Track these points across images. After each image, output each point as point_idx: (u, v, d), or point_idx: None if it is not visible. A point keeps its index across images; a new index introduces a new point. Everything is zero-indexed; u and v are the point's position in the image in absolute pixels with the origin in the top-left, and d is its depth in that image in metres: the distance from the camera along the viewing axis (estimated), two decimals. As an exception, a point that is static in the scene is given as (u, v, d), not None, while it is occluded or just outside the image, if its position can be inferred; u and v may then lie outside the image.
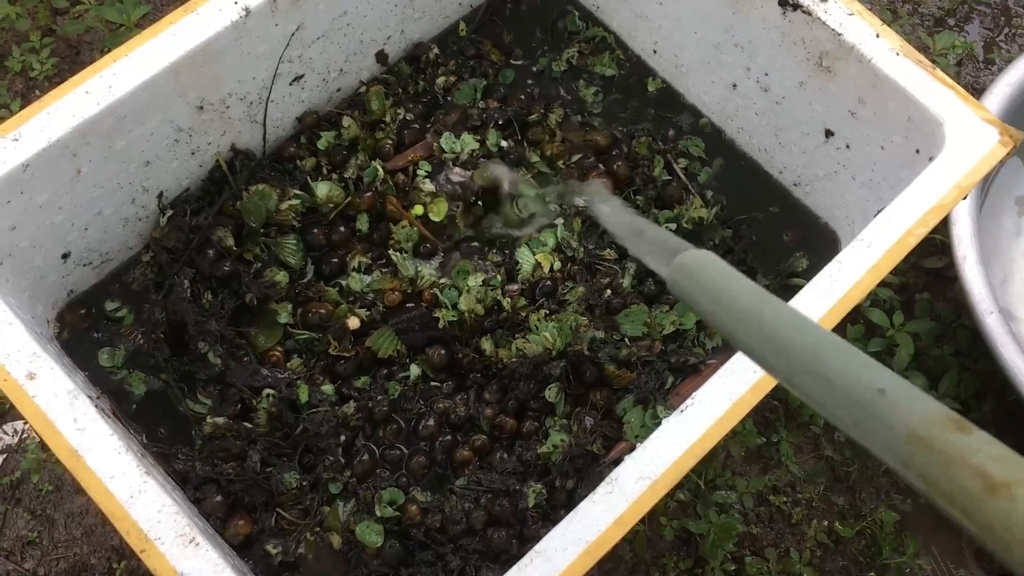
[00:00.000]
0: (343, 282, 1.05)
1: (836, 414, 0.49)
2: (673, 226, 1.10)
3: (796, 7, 0.99)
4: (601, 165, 1.13)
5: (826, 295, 0.86)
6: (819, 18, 0.98)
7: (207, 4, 0.93)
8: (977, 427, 0.46)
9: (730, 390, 0.81)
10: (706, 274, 0.60)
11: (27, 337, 0.79)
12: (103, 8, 1.30)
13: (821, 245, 1.12)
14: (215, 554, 0.74)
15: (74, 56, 1.41)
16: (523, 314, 1.03)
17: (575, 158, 1.13)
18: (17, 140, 0.85)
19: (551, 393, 0.99)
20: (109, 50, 1.34)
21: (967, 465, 0.43)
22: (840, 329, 1.28)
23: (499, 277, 1.04)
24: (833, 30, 0.97)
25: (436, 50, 1.17)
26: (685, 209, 1.11)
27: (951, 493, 0.44)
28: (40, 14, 1.41)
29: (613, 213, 0.89)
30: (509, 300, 1.02)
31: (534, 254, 1.06)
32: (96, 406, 0.78)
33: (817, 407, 0.51)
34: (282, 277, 1.02)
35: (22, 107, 1.33)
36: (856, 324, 1.29)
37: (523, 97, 1.16)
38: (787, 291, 0.96)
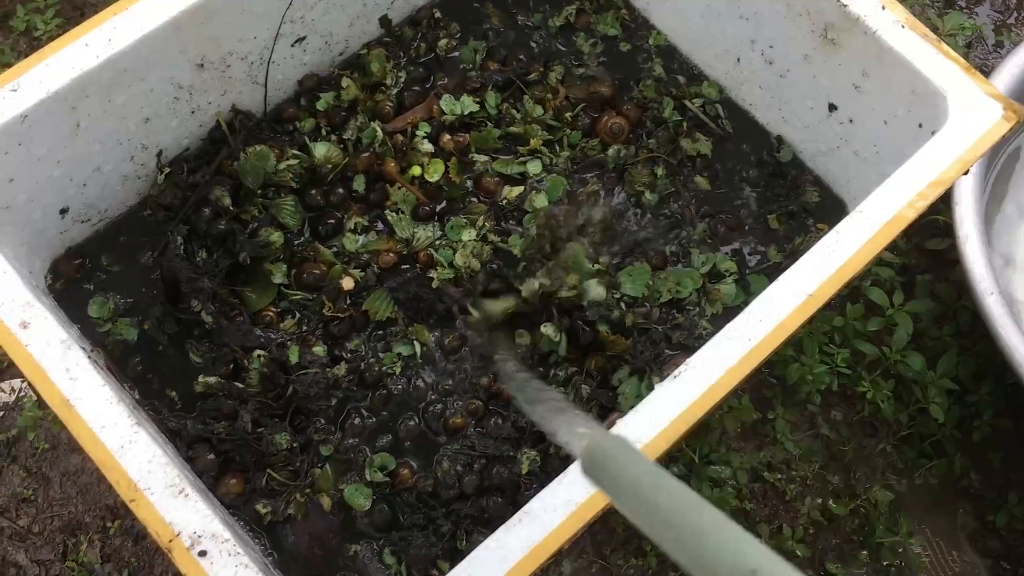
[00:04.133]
0: (339, 243, 1.05)
1: None
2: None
3: (802, -23, 0.98)
4: (612, 111, 1.13)
5: (821, 267, 0.85)
6: (825, -11, 0.97)
7: (209, -40, 0.92)
8: None
9: (724, 357, 0.81)
10: (611, 463, 0.61)
11: (21, 287, 0.79)
12: (108, -31, 1.30)
13: (833, 213, 1.12)
14: (204, 505, 0.74)
15: (79, 17, 1.40)
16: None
17: (579, 108, 1.13)
18: (16, 91, 0.85)
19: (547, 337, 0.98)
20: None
21: None
22: (839, 308, 1.28)
23: (486, 225, 1.05)
24: (839, 1, 0.96)
25: (438, 13, 1.17)
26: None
27: None
28: (45, -25, 1.41)
29: (521, 383, 0.86)
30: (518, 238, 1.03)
31: (550, 201, 1.06)
32: (89, 357, 0.78)
33: None
34: (277, 237, 1.01)
35: (25, 66, 1.33)
36: (856, 304, 1.28)
37: (523, 57, 1.15)
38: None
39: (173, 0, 0.90)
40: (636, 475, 0.59)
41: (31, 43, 1.37)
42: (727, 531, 0.52)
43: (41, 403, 1.19)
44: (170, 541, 0.72)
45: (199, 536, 0.72)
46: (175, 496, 0.74)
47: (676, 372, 0.81)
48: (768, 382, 1.28)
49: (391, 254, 1.03)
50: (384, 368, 1.00)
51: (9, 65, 1.32)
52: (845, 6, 0.96)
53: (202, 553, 0.72)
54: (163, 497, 0.73)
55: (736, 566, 0.49)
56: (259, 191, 1.03)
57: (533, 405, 0.79)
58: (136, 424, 0.75)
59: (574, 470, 0.77)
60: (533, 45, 1.18)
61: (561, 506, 0.75)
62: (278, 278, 1.01)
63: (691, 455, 1.21)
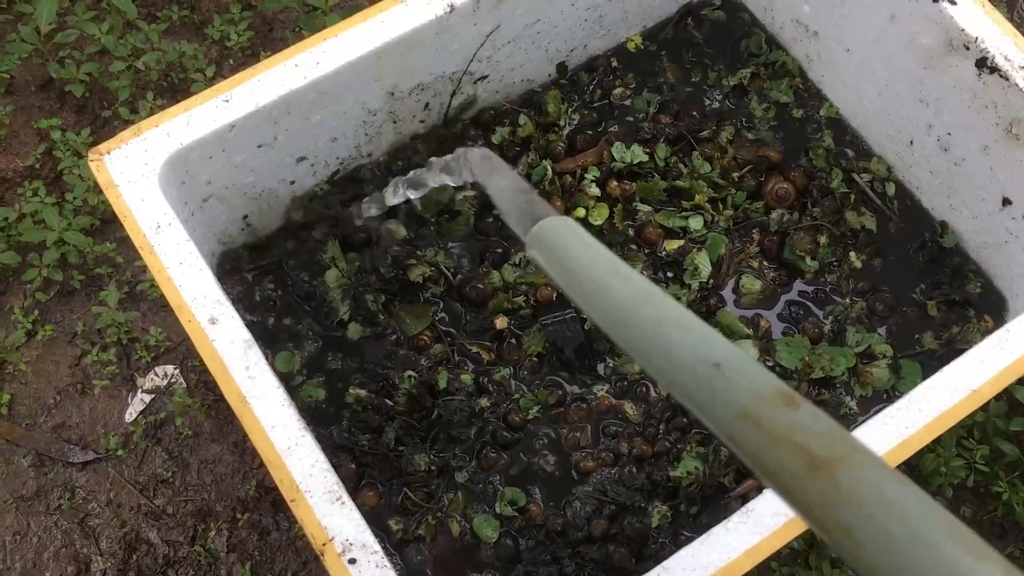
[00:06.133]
0: (500, 272, 1.08)
1: (676, 389, 0.48)
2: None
3: (994, 70, 0.97)
4: (779, 175, 1.14)
5: (988, 363, 0.84)
6: (1016, 84, 0.96)
7: (416, -4, 0.97)
8: (808, 401, 0.43)
9: (878, 442, 0.81)
10: (560, 243, 0.58)
11: (214, 284, 0.84)
12: (302, -10, 1.38)
13: (993, 307, 1.10)
14: (357, 514, 0.77)
15: (267, 32, 1.48)
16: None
17: (746, 170, 1.14)
18: (228, 101, 0.91)
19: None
20: (301, 30, 1.41)
21: (791, 442, 0.41)
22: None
23: (644, 273, 1.06)
24: (1030, 97, 0.95)
25: (615, 61, 1.19)
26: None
27: (775, 471, 0.42)
28: (240, -11, 1.49)
29: (501, 178, 0.75)
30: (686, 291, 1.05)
31: (711, 261, 1.07)
32: (265, 359, 0.83)
33: (661, 381, 0.49)
34: (443, 258, 1.06)
35: (215, 74, 1.41)
36: (999, 400, 1.24)
37: (695, 114, 1.17)
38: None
39: (379, 31, 0.95)
40: (589, 258, 0.56)
41: (222, 52, 1.45)
42: (688, 322, 0.49)
43: (191, 391, 1.25)
44: (323, 545, 0.75)
45: (351, 544, 0.75)
46: (332, 502, 0.77)
47: (828, 450, 0.80)
48: (903, 469, 1.25)
49: (548, 289, 1.05)
50: (524, 407, 1.02)
51: (201, 71, 1.40)
52: (1037, 103, 0.94)
53: (352, 560, 0.75)
54: (321, 501, 0.77)
55: (699, 358, 0.47)
56: (433, 219, 1.07)
57: (488, 180, 0.75)
58: (303, 428, 0.79)
59: (718, 532, 0.77)
60: (706, 102, 1.20)
61: (701, 568, 0.76)
62: (436, 291, 1.05)
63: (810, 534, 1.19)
